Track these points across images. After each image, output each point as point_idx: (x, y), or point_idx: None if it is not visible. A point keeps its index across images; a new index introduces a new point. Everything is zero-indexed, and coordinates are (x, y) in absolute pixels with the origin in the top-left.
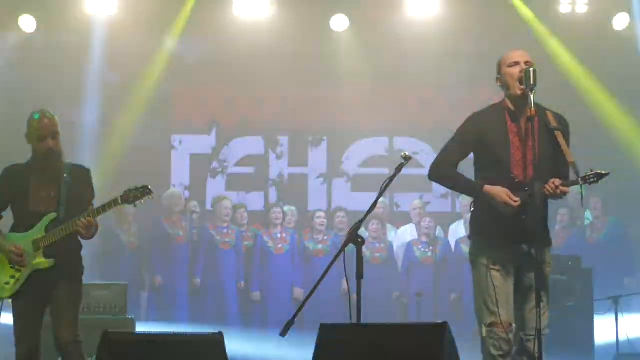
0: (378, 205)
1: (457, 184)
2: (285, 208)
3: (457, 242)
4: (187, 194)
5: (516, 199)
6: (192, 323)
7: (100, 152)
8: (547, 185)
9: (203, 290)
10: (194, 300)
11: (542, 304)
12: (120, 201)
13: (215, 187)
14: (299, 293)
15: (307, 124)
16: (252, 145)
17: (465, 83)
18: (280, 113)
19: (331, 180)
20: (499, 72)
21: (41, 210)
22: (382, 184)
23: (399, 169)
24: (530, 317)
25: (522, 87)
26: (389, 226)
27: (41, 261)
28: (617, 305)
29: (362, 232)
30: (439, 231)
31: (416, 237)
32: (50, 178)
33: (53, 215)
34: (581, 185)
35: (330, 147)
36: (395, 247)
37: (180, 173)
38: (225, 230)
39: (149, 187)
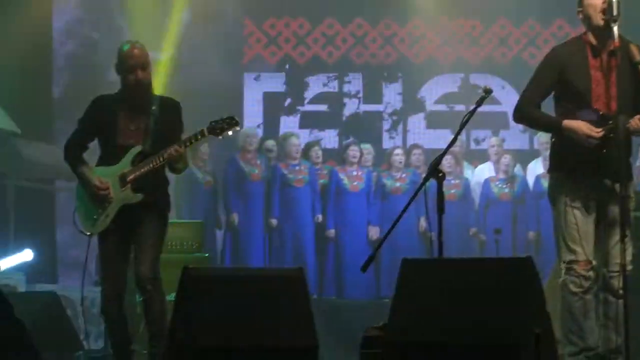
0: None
1: (539, 123)
2: (362, 146)
3: (537, 178)
4: (260, 132)
5: (598, 130)
6: (269, 260)
7: (171, 91)
8: (632, 120)
9: (279, 228)
10: (270, 239)
11: (625, 239)
12: (206, 132)
13: (288, 125)
14: (374, 231)
15: (382, 61)
16: (325, 82)
17: (542, 18)
18: (354, 50)
19: (406, 117)
20: (580, 4)
21: (129, 143)
22: (463, 118)
23: (479, 102)
24: (614, 253)
25: (604, 17)
26: (465, 164)
27: (130, 195)
28: None
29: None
30: (517, 168)
31: (494, 174)
32: (138, 110)
33: (139, 148)
34: None
35: (405, 83)
36: (472, 184)
37: (253, 111)
38: (297, 167)
39: (235, 117)
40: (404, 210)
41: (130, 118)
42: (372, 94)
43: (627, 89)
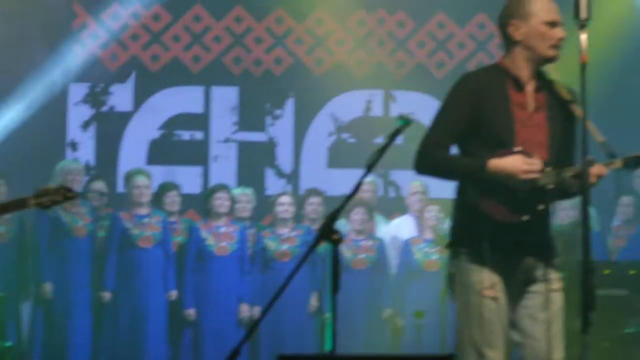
0: (365, 187)
1: (453, 170)
2: (236, 191)
3: None
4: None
5: (536, 161)
6: (96, 352)
7: None
8: (594, 168)
9: (114, 305)
10: (100, 319)
11: (554, 334)
12: (30, 203)
13: (132, 158)
14: (250, 311)
15: (269, 69)
16: (188, 98)
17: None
18: (229, 53)
19: (299, 152)
20: (520, 18)
21: None
22: (370, 158)
23: (395, 134)
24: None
25: (554, 54)
26: (380, 218)
27: None
28: None
29: (342, 224)
30: (449, 224)
31: (416, 233)
32: None
33: None
34: (618, 169)
35: (301, 102)
36: (389, 247)
37: (80, 138)
38: (145, 220)
39: (71, 190)
40: (283, 286)
41: None
42: (253, 116)
43: (558, 136)
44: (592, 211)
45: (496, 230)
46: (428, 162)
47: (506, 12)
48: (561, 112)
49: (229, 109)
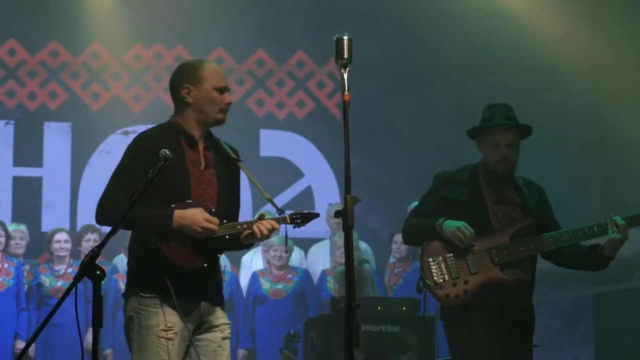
0: None
1: (139, 219)
2: (10, 227)
3: None
4: None
5: (215, 220)
6: None
7: None
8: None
9: None
10: None
11: None
12: None
13: None
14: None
15: (43, 104)
16: None
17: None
18: (3, 86)
19: (77, 187)
20: (192, 83)
21: None
22: (134, 192)
23: (158, 171)
24: None
25: (223, 117)
26: None
27: None
28: None
29: (121, 260)
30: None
31: None
32: None
33: None
34: (285, 226)
35: (78, 137)
36: None
37: None
38: None
39: None
40: (48, 317)
41: None
42: (30, 151)
43: (226, 191)
44: (368, 249)
45: (176, 275)
46: (110, 213)
47: (179, 76)
48: (227, 168)
49: (4, 143)
